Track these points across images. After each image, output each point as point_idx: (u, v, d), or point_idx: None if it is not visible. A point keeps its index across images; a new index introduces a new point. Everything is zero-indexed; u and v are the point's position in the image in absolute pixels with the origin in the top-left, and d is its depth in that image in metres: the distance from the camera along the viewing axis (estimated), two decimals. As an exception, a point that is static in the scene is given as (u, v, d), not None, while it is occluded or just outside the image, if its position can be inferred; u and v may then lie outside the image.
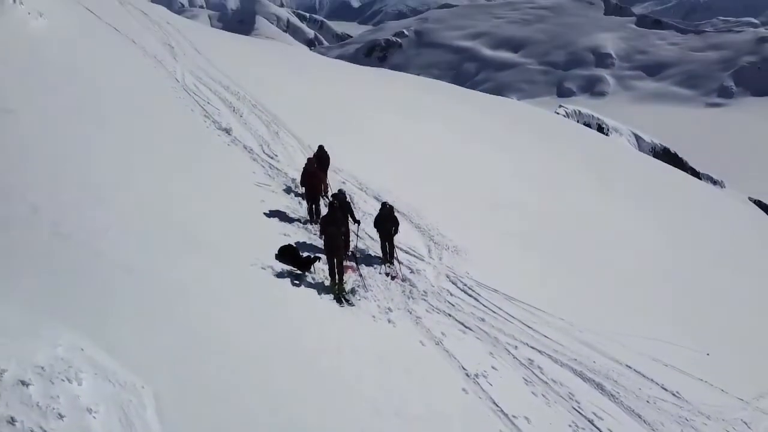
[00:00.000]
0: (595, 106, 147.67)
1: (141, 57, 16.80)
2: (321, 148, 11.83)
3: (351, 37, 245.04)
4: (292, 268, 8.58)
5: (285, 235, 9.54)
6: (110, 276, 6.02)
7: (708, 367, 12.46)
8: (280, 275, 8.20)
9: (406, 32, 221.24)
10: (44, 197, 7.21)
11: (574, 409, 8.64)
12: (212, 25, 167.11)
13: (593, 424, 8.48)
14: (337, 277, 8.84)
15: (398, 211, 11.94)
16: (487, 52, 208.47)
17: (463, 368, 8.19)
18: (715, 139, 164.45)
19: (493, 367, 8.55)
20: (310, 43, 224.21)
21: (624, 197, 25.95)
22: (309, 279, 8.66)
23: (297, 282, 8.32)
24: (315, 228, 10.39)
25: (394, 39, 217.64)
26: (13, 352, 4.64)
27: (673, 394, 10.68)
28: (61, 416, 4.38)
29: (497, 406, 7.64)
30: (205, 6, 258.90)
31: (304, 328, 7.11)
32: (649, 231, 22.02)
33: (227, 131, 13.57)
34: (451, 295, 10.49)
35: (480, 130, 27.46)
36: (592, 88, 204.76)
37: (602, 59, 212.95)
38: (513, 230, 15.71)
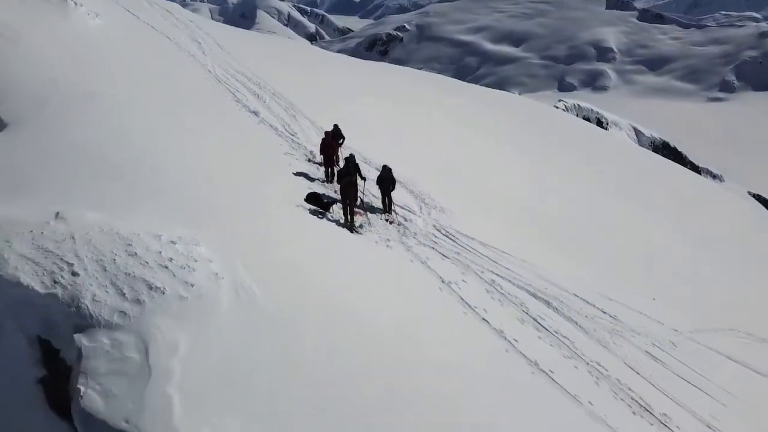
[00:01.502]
0: (596, 100, 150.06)
1: (177, 51, 20.04)
2: (336, 126, 15.10)
3: (352, 31, 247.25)
4: (317, 208, 11.87)
5: (309, 188, 12.82)
6: (212, 202, 9.29)
7: (652, 307, 15.68)
8: (311, 212, 11.51)
9: (407, 26, 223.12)
10: (141, 150, 10.46)
11: (523, 312, 11.89)
12: (213, 19, 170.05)
13: (537, 322, 11.73)
14: (349, 216, 12.13)
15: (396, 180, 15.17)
16: (489, 46, 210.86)
17: (440, 278, 11.45)
18: (716, 134, 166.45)
19: (462, 280, 11.80)
20: (311, 37, 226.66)
21: (609, 183, 29.27)
22: (329, 216, 11.95)
23: (321, 216, 11.62)
24: (331, 186, 13.70)
25: (395, 33, 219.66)
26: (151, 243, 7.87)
27: (611, 316, 13.91)
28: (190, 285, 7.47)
29: (463, 299, 10.90)
30: (206, 1, 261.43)
31: (328, 242, 10.40)
32: (623, 207, 25.45)
33: (255, 113, 16.82)
34: (435, 237, 13.74)
35: (473, 119, 30.71)
36: (594, 82, 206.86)
37: (604, 53, 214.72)
38: (494, 200, 19.06)
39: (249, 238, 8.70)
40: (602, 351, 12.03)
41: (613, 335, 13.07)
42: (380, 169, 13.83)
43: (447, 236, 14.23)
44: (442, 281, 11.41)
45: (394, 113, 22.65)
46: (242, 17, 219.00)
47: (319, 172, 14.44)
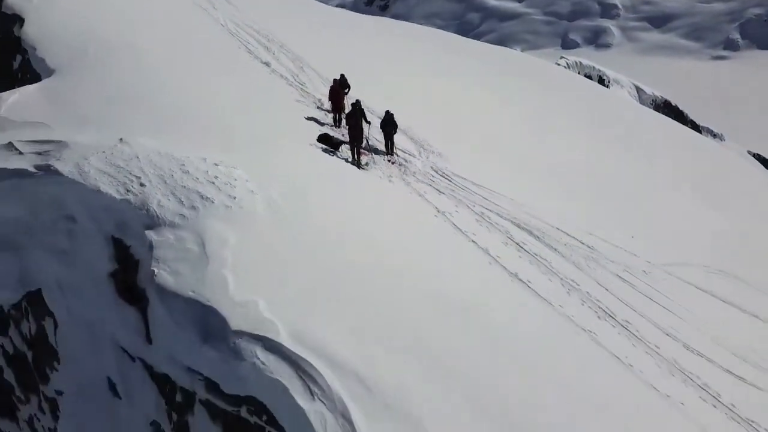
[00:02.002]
0: (599, 58, 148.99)
1: (191, 5, 21.42)
2: (342, 75, 16.68)
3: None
4: (327, 147, 13.63)
5: (320, 130, 14.55)
6: (241, 136, 11.05)
7: (630, 243, 17.49)
8: (323, 150, 13.29)
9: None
10: (178, 91, 12.14)
11: (508, 237, 13.77)
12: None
13: (519, 246, 13.63)
14: (356, 155, 13.89)
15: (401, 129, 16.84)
16: (491, 1, 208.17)
17: (436, 208, 13.29)
18: (719, 93, 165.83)
19: (456, 210, 13.65)
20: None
21: (603, 134, 30.82)
22: (338, 155, 13.73)
23: (331, 154, 13.42)
24: (338, 129, 15.42)
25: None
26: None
27: (588, 246, 15.78)
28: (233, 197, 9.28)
29: (455, 225, 12.77)
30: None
31: (338, 173, 12.22)
32: (613, 155, 27.11)
33: (267, 64, 18.38)
34: (432, 176, 15.52)
35: (472, 73, 32.04)
36: (597, 39, 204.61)
37: (607, 10, 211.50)
38: (490, 147, 20.73)
39: (274, 165, 10.51)
40: (576, 271, 13.94)
41: (588, 260, 14.95)
42: (383, 114, 15.50)
43: (443, 176, 16.01)
44: (438, 210, 13.26)
45: (394, 65, 24.12)
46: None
47: (328, 118, 16.12)
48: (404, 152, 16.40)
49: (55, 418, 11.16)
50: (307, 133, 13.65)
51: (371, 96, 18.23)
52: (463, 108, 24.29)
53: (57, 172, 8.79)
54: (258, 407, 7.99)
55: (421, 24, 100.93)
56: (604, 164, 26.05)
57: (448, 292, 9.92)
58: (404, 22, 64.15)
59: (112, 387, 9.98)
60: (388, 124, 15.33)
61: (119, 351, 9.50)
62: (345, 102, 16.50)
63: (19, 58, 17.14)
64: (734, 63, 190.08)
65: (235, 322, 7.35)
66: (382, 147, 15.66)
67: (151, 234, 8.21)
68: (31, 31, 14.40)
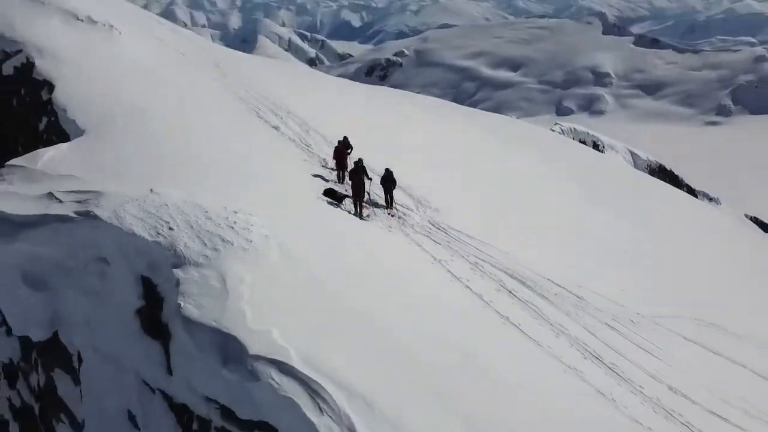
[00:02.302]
0: (594, 124, 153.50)
1: (203, 72, 23.28)
2: (346, 137, 18.21)
3: (352, 56, 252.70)
4: (332, 200, 14.92)
5: (325, 185, 15.90)
6: (257, 188, 12.31)
7: (619, 295, 18.51)
8: (328, 203, 14.59)
9: (406, 51, 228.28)
10: (198, 149, 13.51)
11: (500, 285, 14.83)
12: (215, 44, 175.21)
13: (511, 293, 14.67)
14: (358, 208, 15.16)
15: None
16: (487, 71, 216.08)
17: (433, 256, 14.43)
18: (713, 157, 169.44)
19: (451, 259, 14.78)
20: (311, 62, 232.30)
21: (594, 193, 32.37)
22: (342, 207, 15.00)
23: (336, 206, 14.70)
24: (342, 185, 16.76)
25: (394, 58, 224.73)
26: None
27: (577, 296, 16.80)
28: (249, 240, 10.50)
29: (450, 271, 13.86)
30: (207, 25, 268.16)
31: (342, 226, 13.44)
32: (611, 215, 28.46)
33: (276, 128, 19.96)
34: (429, 229, 16.73)
35: (467, 136, 33.96)
36: (591, 106, 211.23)
37: (600, 78, 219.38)
38: (483, 203, 22.08)
39: (285, 213, 11.75)
40: (565, 318, 14.92)
41: (577, 309, 15.93)
42: (383, 172, 16.88)
43: (439, 229, 17.22)
44: (434, 258, 14.40)
45: (394, 128, 25.84)
46: (243, 42, 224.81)
47: (332, 175, 17.51)
48: (403, 207, 17.69)
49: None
50: (313, 188, 15.00)
51: (372, 155, 19.73)
52: (461, 167, 25.86)
53: (96, 217, 9.99)
54: (270, 431, 8.86)
55: (419, 92, 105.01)
56: (597, 222, 27.36)
57: (445, 330, 10.92)
58: (402, 90, 67.27)
59: (132, 418, 10.78)
60: (388, 181, 16.69)
61: (141, 383, 10.38)
62: (348, 160, 17.94)
63: (45, 120, 18.74)
64: (727, 128, 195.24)
65: (253, 348, 8.34)
66: (382, 201, 16.96)
67: (178, 272, 9.30)
68: (61, 95, 15.96)
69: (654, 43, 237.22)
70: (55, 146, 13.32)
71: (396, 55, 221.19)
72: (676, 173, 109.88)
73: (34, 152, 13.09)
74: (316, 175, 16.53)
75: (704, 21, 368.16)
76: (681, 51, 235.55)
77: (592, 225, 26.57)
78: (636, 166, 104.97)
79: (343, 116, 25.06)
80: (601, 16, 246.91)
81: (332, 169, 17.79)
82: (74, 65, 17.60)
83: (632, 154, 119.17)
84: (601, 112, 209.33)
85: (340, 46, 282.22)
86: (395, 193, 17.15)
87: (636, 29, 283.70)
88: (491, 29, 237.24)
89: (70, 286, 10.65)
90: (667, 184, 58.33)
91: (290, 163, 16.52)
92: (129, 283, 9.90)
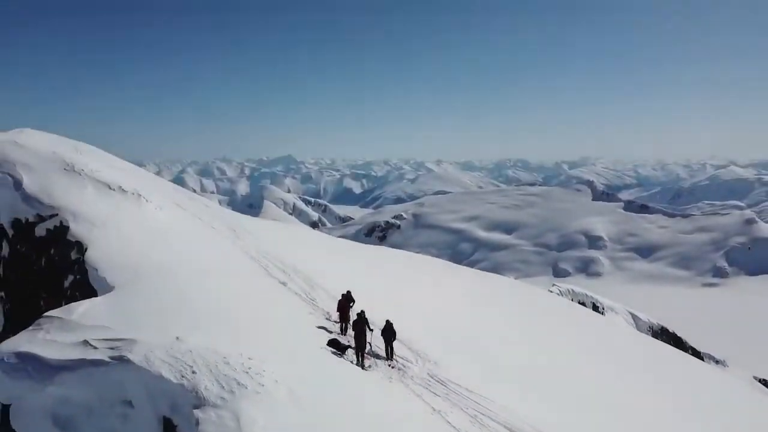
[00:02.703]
0: (591, 286, 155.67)
1: (221, 236, 25.45)
2: (349, 292, 19.74)
3: (352, 219, 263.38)
4: (336, 350, 16.02)
5: (329, 336, 17.08)
6: (268, 339, 13.56)
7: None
8: (332, 353, 15.68)
9: (404, 215, 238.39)
10: (216, 303, 14.95)
11: (498, 437, 15.39)
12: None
13: (508, 445, 15.19)
14: (360, 359, 16.20)
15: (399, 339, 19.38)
16: (482, 233, 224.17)
17: (432, 407, 15.16)
18: (714, 319, 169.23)
19: (450, 411, 15.48)
20: (314, 225, 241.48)
21: (595, 351, 33.12)
22: (345, 357, 16.04)
23: (339, 356, 15.75)
24: (345, 337, 17.92)
25: (393, 221, 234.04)
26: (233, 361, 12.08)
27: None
28: (261, 385, 11.63)
29: (449, 422, 14.52)
30: (216, 192, 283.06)
31: (345, 374, 14.43)
32: (608, 373, 29.01)
33: (284, 284, 21.57)
34: (429, 381, 17.56)
35: (465, 294, 35.52)
36: (587, 268, 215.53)
37: (594, 241, 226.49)
38: (481, 357, 22.94)
39: (293, 361, 12.88)
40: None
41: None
42: (384, 324, 18.14)
43: (438, 382, 18.05)
44: (433, 410, 15.15)
45: (394, 284, 27.42)
46: (250, 206, 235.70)
47: (335, 327, 18.75)
48: (402, 358, 18.67)
49: None
50: (318, 338, 16.19)
51: (373, 308, 21.13)
52: (459, 323, 27.05)
53: (129, 361, 11.13)
54: None
55: (417, 252, 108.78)
56: (600, 378, 27.84)
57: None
58: (401, 250, 70.26)
59: None
60: (388, 332, 17.89)
61: None
62: (350, 313, 19.28)
63: (71, 278, 20.41)
64: (725, 289, 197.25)
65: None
66: (382, 353, 18.00)
67: (198, 412, 10.26)
68: (94, 255, 17.74)
69: (643, 208, 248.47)
70: (88, 300, 14.77)
71: (395, 217, 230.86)
72: (679, 335, 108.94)
73: (68, 305, 14.52)
74: (320, 327, 17.79)
75: (690, 187, 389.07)
76: (671, 215, 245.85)
77: (594, 381, 27.06)
78: (638, 327, 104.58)
79: (345, 273, 26.82)
80: (590, 184, 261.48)
81: (335, 321, 19.07)
82: (106, 229, 19.66)
83: (633, 315, 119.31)
84: (597, 274, 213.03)
85: (341, 209, 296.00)
86: (395, 345, 18.25)
87: (624, 196, 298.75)
88: (484, 195, 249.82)
89: (92, 428, 11.44)
90: (671, 346, 58.58)
91: (297, 315, 17.86)
92: (151, 425, 10.76)
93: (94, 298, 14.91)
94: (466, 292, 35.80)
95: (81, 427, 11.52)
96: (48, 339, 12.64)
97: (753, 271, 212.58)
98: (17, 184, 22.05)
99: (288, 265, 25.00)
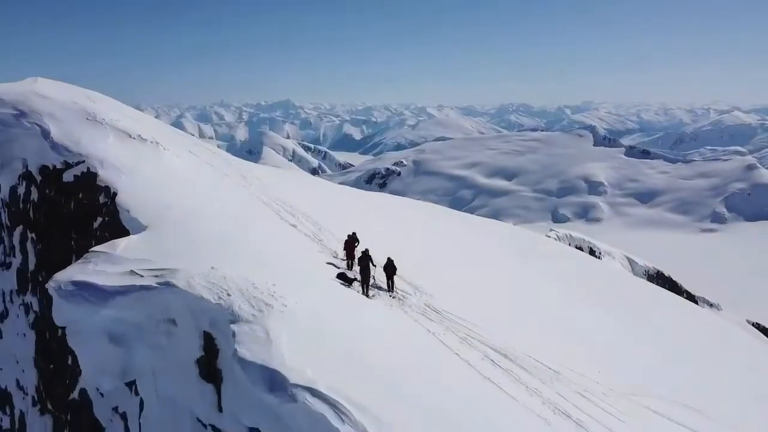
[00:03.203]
0: (590, 231, 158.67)
1: (233, 182, 27.52)
2: (354, 233, 21.97)
3: (352, 165, 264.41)
4: (344, 282, 18.39)
5: (337, 270, 19.44)
6: (288, 269, 15.88)
7: (595, 374, 21.42)
8: (341, 284, 18.05)
9: (404, 161, 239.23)
10: (239, 238, 17.20)
11: (485, 355, 17.91)
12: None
13: (493, 362, 17.71)
14: (365, 289, 18.58)
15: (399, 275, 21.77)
16: (482, 179, 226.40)
17: (427, 329, 17.62)
18: (711, 264, 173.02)
19: (443, 333, 17.95)
20: (314, 172, 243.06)
21: (588, 292, 35.71)
22: (352, 288, 18.42)
23: (347, 286, 18.15)
24: (351, 272, 20.29)
25: (393, 168, 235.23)
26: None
27: (554, 371, 19.76)
28: (285, 305, 13.97)
29: (443, 342, 17.00)
30: (214, 137, 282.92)
31: (352, 300, 16.83)
32: (598, 312, 31.64)
33: (294, 226, 23.78)
34: (425, 309, 20.02)
35: (459, 234, 37.94)
36: (587, 214, 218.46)
37: (594, 187, 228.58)
38: (476, 294, 25.47)
39: (309, 288, 15.20)
40: (541, 384, 17.86)
41: (553, 379, 18.89)
42: (385, 260, 20.48)
43: (433, 311, 20.52)
44: (428, 331, 17.61)
45: (396, 229, 29.69)
46: (249, 153, 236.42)
47: (342, 264, 21.08)
48: (402, 291, 21.10)
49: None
50: (328, 272, 18.59)
51: (375, 248, 23.46)
52: (454, 261, 29.49)
53: (175, 286, 13.42)
54: (299, 450, 11.79)
55: (417, 199, 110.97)
56: (581, 315, 30.47)
57: (437, 375, 13.98)
58: (401, 197, 72.39)
59: (184, 452, 13.57)
60: (390, 267, 20.24)
61: (195, 421, 13.30)
62: (356, 252, 21.59)
63: (99, 219, 22.59)
64: (723, 235, 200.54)
65: (292, 379, 11.47)
66: (384, 285, 20.39)
67: (234, 327, 12.61)
68: (124, 199, 19.85)
69: (645, 153, 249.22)
70: (126, 237, 16.97)
71: (395, 164, 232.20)
72: (674, 279, 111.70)
73: (111, 242, 16.73)
74: (329, 263, 20.12)
75: (693, 132, 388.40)
76: (672, 161, 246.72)
77: (576, 318, 29.68)
78: (634, 272, 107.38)
79: (349, 217, 29.06)
80: (592, 129, 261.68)
81: (342, 258, 21.37)
82: (132, 175, 21.70)
83: (629, 260, 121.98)
84: (597, 220, 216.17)
85: (341, 156, 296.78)
86: (396, 279, 20.64)
87: (626, 141, 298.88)
88: (485, 141, 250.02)
89: (141, 342, 13.85)
90: (665, 290, 61.36)
91: (309, 253, 20.17)
92: (192, 338, 13.14)
93: (131, 236, 17.12)
94: (460, 236, 38.16)
95: (132, 343, 13.92)
96: (98, 270, 14.89)
97: (752, 217, 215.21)
98: (45, 133, 23.94)
99: (296, 210, 27.16)
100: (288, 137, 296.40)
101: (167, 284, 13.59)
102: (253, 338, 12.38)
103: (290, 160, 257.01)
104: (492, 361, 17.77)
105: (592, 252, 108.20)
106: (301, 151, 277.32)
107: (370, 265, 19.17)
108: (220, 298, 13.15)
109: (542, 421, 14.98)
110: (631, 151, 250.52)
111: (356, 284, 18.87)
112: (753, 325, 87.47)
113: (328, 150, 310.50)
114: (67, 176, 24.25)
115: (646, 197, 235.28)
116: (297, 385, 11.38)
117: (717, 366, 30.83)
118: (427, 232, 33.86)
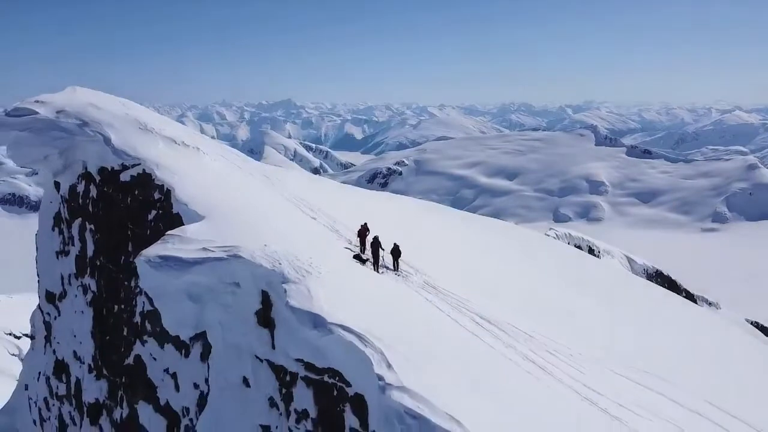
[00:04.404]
0: (591, 231, 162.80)
1: (260, 183, 32.71)
2: (366, 223, 27.12)
3: (354, 165, 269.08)
4: (358, 262, 23.58)
5: (353, 253, 24.63)
6: (318, 250, 21.09)
7: (569, 344, 26.46)
8: (357, 262, 23.24)
9: (405, 161, 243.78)
10: (275, 226, 22.41)
11: (476, 321, 23.03)
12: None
13: (482, 327, 22.85)
14: (375, 268, 23.79)
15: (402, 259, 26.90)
16: (484, 179, 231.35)
17: (427, 299, 22.78)
18: (712, 263, 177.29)
19: (439, 302, 23.07)
20: (316, 171, 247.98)
21: (581, 284, 40.75)
22: (365, 266, 23.61)
23: (362, 264, 23.35)
24: (364, 254, 25.48)
25: (394, 167, 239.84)
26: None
27: (529, 335, 24.85)
28: (320, 272, 19.15)
29: (440, 309, 22.13)
30: (216, 137, 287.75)
31: (366, 271, 22.03)
32: (588, 301, 36.70)
33: (315, 219, 28.96)
34: (425, 285, 25.18)
35: (460, 228, 43.09)
36: (588, 213, 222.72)
37: (595, 187, 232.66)
38: (471, 278, 30.59)
39: (335, 263, 20.41)
40: (516, 342, 22.94)
41: (527, 341, 23.96)
42: (392, 245, 25.66)
43: (432, 287, 25.68)
44: (427, 300, 22.75)
45: (401, 221, 34.88)
46: (251, 152, 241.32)
47: (356, 249, 26.26)
48: (406, 271, 26.26)
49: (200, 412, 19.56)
50: (346, 253, 23.82)
51: (383, 235, 28.63)
52: (452, 248, 34.69)
53: (242, 257, 18.60)
54: (334, 373, 16.94)
55: (419, 199, 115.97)
56: (566, 299, 35.40)
57: (434, 328, 19.17)
58: (404, 196, 77.45)
59: (245, 381, 18.71)
60: (396, 251, 25.41)
61: (254, 358, 18.45)
62: (367, 239, 26.77)
63: (153, 212, 27.76)
64: (724, 234, 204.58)
65: (330, 319, 16.62)
66: (391, 266, 25.58)
67: (285, 286, 17.79)
68: (180, 195, 25.01)
69: (646, 153, 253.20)
70: (192, 224, 22.13)
71: (396, 164, 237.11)
72: (674, 278, 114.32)
73: (180, 227, 21.90)
74: (346, 248, 25.32)
75: (694, 132, 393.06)
76: (673, 161, 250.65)
77: (563, 300, 34.54)
78: (633, 271, 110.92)
79: (359, 212, 34.23)
80: (593, 128, 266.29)
81: (356, 245, 26.57)
82: (182, 176, 26.86)
83: (629, 259, 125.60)
84: (598, 219, 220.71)
85: (343, 156, 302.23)
86: (400, 262, 25.82)
87: (628, 141, 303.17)
88: (486, 141, 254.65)
89: (212, 301, 19.00)
90: (660, 287, 65.42)
91: (329, 239, 25.36)
92: (253, 296, 18.30)
93: (194, 223, 22.27)
94: (458, 228, 43.31)
95: (205, 301, 19.06)
96: (176, 247, 20.01)
97: (753, 217, 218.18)
98: (107, 141, 29.09)
99: (314, 206, 32.36)
100: (289, 137, 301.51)
101: (235, 256, 18.75)
102: (299, 293, 17.52)
103: (291, 160, 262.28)
104: (477, 324, 22.91)
105: (591, 251, 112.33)
106: (302, 151, 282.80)
107: (380, 249, 24.31)
108: (273, 266, 18.30)
109: (513, 363, 20.10)
110: (633, 151, 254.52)
111: (369, 264, 24.05)
112: (752, 324, 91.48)
113: (329, 149, 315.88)
114: (124, 176, 29.43)
115: (647, 197, 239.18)
116: (333, 323, 16.53)
117: (700, 352, 35.21)
118: (429, 224, 39.04)
